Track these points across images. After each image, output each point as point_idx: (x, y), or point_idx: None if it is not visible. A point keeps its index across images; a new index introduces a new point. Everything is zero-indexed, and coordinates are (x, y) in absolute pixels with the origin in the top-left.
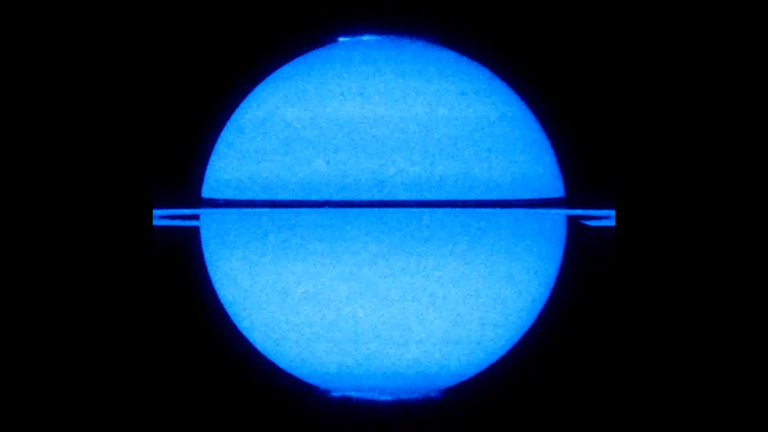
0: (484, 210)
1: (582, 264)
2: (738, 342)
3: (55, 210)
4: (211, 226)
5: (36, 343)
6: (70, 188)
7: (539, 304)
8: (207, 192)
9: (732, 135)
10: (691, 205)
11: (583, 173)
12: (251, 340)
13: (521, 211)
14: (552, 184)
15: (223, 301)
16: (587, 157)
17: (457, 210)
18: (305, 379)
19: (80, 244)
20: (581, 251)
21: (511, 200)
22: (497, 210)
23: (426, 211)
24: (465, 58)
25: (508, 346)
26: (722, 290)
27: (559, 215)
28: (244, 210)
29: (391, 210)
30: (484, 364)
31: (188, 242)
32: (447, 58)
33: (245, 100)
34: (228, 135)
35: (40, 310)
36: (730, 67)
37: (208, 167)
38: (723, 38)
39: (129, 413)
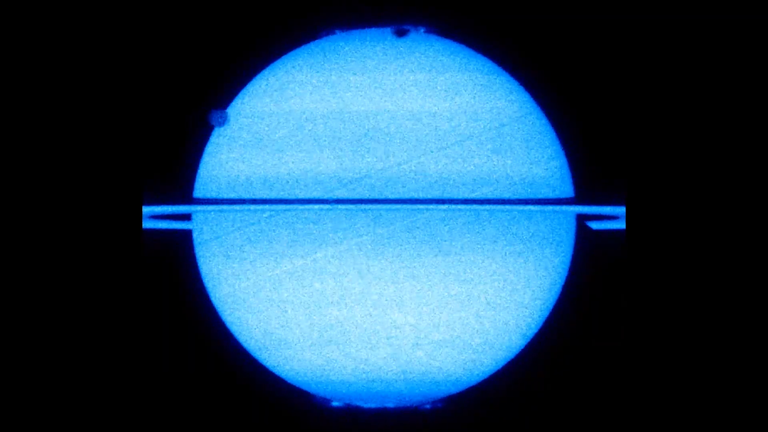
0: (489, 209)
1: (592, 264)
2: (746, 334)
3: (45, 210)
4: (204, 226)
5: (25, 349)
6: (60, 188)
7: (548, 305)
8: (199, 191)
9: (743, 133)
10: (700, 202)
11: (592, 172)
12: (245, 344)
13: (529, 210)
14: (561, 183)
15: (215, 303)
16: (597, 155)
17: (461, 208)
18: (301, 386)
19: (69, 243)
20: (591, 250)
21: (520, 199)
22: (504, 208)
23: (429, 210)
24: (473, 53)
25: (516, 351)
26: (728, 288)
27: (569, 214)
28: (238, 209)
29: (391, 209)
30: (491, 370)
31: (179, 242)
32: (455, 53)
33: (238, 96)
34: (220, 132)
35: (28, 315)
36: (742, 65)
37: (200, 165)
38: (735, 36)
39: (120, 420)
